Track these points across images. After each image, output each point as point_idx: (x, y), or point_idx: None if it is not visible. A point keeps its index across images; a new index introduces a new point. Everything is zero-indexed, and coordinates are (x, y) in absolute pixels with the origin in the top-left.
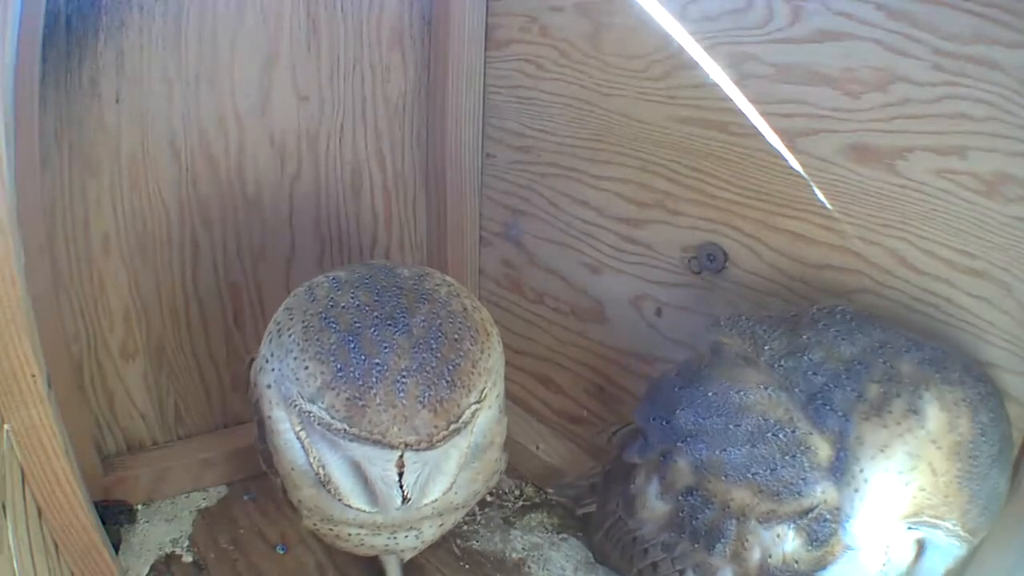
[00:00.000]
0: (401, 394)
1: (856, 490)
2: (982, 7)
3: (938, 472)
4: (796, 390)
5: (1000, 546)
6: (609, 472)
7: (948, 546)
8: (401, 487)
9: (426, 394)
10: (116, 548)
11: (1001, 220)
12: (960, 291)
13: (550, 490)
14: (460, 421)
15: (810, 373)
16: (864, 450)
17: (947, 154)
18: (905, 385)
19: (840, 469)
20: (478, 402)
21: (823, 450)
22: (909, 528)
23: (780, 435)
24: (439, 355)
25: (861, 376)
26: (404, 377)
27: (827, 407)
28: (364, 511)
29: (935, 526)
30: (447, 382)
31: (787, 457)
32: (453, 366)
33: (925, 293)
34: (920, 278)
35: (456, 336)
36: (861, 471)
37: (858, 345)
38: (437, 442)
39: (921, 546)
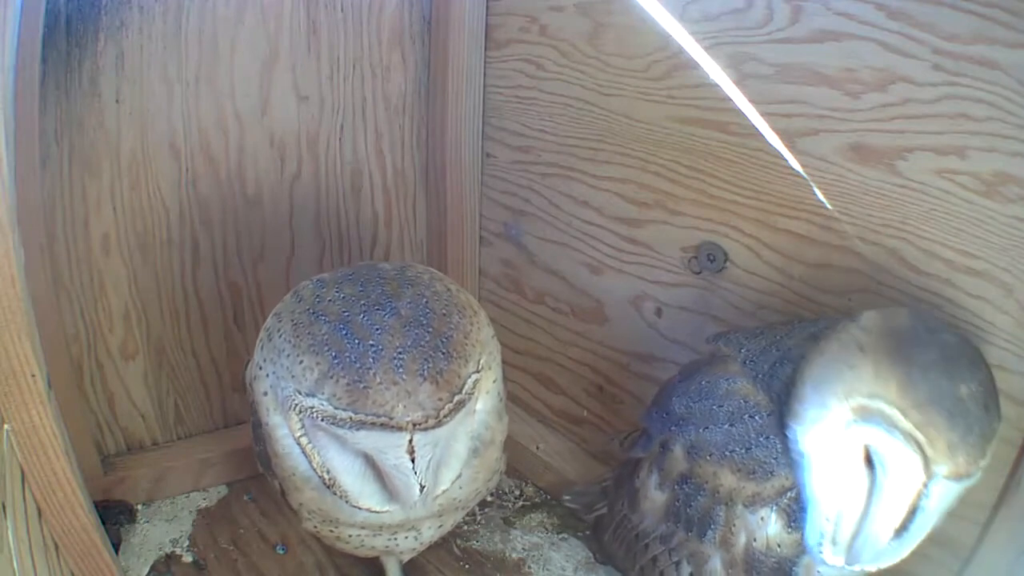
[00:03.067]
0: (401, 370)
1: (796, 395)
2: (982, 7)
3: (866, 349)
4: (760, 375)
5: (1000, 546)
6: (618, 475)
7: (895, 451)
8: (415, 474)
9: (425, 367)
10: (116, 548)
11: (1001, 220)
12: (960, 291)
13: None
14: (463, 392)
15: (774, 349)
16: (806, 363)
17: (947, 154)
18: (856, 318)
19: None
20: (477, 372)
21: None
22: (852, 423)
23: (756, 417)
24: (431, 330)
25: (826, 334)
26: (401, 354)
27: (785, 361)
28: (377, 511)
29: (871, 412)
30: (444, 353)
31: (761, 438)
32: (447, 338)
33: (925, 293)
34: (920, 278)
35: (444, 312)
36: (801, 377)
37: (830, 324)
38: (444, 416)
39: (873, 467)
